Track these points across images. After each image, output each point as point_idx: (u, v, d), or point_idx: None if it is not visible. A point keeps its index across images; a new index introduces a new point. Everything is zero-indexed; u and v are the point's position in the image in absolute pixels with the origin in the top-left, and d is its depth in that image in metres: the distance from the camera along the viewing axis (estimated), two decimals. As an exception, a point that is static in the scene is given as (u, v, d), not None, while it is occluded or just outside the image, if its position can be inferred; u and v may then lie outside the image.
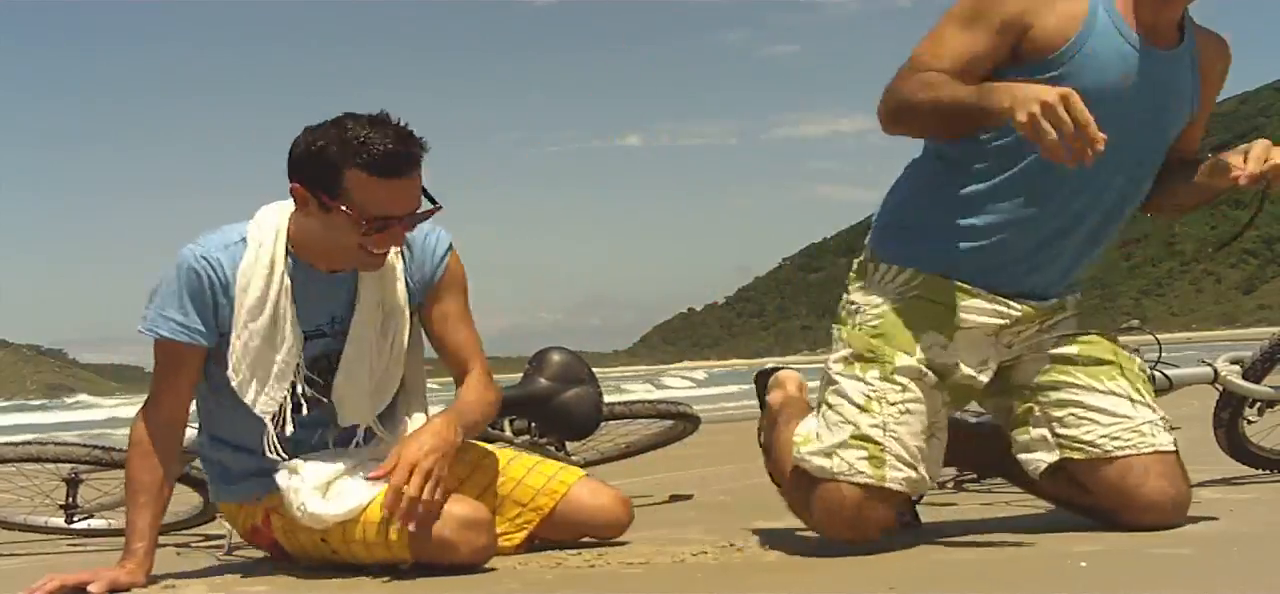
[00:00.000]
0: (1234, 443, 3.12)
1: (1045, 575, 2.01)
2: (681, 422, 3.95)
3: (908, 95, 2.25)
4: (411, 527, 2.26)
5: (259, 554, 2.75)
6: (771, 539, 2.54)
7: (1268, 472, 3.14)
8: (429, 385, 2.61)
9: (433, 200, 2.35)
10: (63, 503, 3.30)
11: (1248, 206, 2.42)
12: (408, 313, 2.49)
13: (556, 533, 2.58)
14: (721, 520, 3.00)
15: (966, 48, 2.23)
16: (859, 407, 2.29)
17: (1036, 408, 2.38)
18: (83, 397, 65.66)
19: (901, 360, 2.30)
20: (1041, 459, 2.37)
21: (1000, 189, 2.29)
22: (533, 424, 3.24)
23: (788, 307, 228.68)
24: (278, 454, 2.39)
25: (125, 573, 2.28)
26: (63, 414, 30.07)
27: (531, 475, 2.60)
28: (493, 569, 2.34)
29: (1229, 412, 3.09)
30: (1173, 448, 2.35)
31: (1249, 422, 3.12)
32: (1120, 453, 2.31)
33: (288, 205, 2.38)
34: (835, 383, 2.36)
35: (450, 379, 2.60)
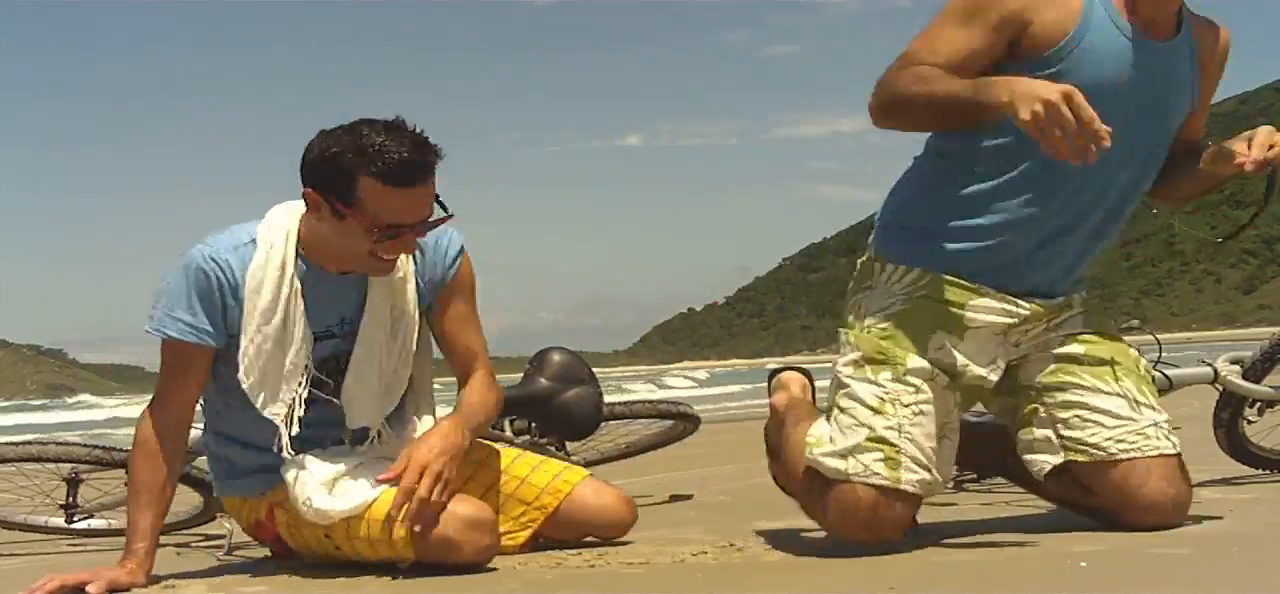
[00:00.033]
0: (1234, 443, 3.12)
1: (1045, 575, 2.01)
2: (682, 422, 3.95)
3: (901, 88, 2.23)
4: (417, 527, 2.27)
5: (260, 554, 2.76)
6: (772, 539, 2.54)
7: (1268, 472, 3.14)
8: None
9: (444, 208, 2.35)
10: (63, 503, 3.30)
11: (1248, 207, 2.42)
12: (417, 315, 2.49)
13: (560, 532, 2.58)
14: (722, 520, 3.00)
15: (963, 44, 2.22)
16: (872, 409, 2.28)
17: (1042, 409, 2.38)
18: (85, 396, 65.67)
19: (913, 361, 2.28)
20: (1046, 461, 2.36)
21: (1002, 189, 2.29)
22: (533, 424, 3.24)
23: (788, 307, 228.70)
24: (289, 454, 2.39)
25: (125, 573, 2.28)
26: (64, 414, 30.04)
27: (536, 474, 2.60)
28: (494, 569, 2.34)
29: (1229, 412, 3.09)
30: (1176, 451, 2.35)
31: (1249, 422, 3.12)
32: (1124, 456, 2.31)
33: (298, 206, 2.37)
34: (846, 386, 2.34)
35: (451, 379, 2.60)
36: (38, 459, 3.24)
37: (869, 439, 2.26)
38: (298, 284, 2.36)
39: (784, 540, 2.51)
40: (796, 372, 2.83)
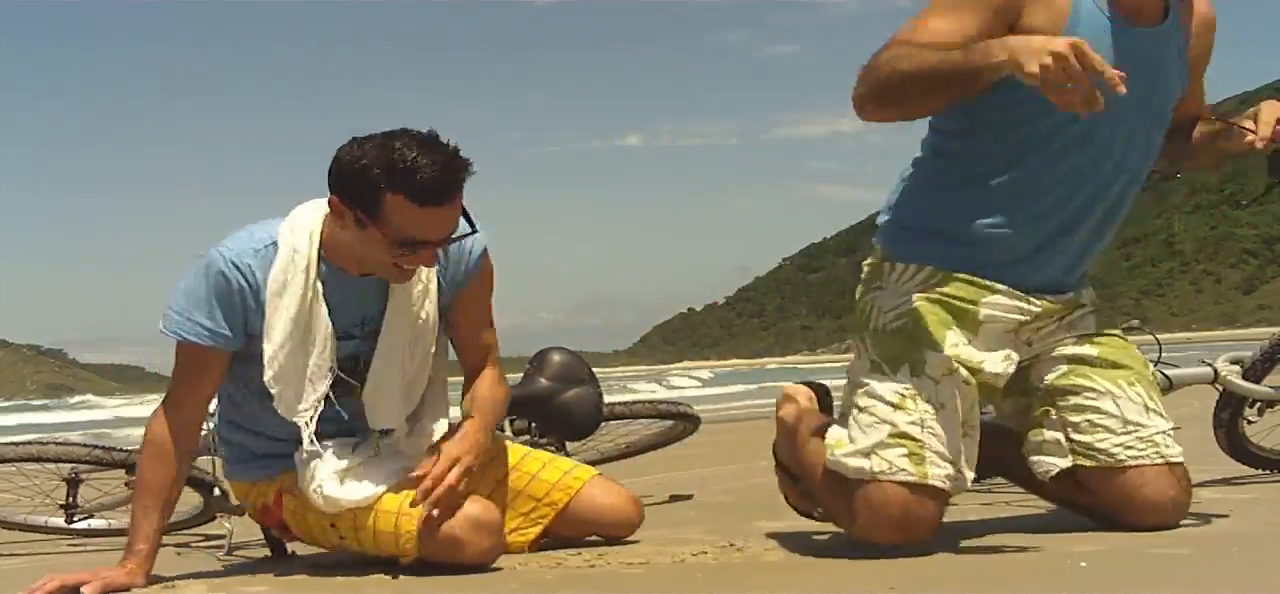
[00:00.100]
0: (1234, 443, 3.12)
1: (1045, 575, 2.01)
2: (682, 422, 3.95)
3: (890, 67, 2.11)
4: (436, 512, 2.28)
5: (260, 554, 2.76)
6: (772, 539, 2.54)
7: (1268, 472, 3.14)
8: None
9: (472, 223, 2.34)
10: (63, 503, 3.30)
11: (1247, 207, 2.43)
12: (438, 317, 2.48)
13: (568, 530, 2.59)
14: (722, 520, 3.00)
15: (956, 29, 2.12)
16: (893, 405, 2.25)
17: (1053, 411, 2.36)
18: (88, 396, 65.74)
19: (931, 358, 2.25)
20: (1053, 463, 2.35)
21: (1005, 187, 2.28)
22: (533, 424, 3.24)
23: (788, 307, 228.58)
24: (310, 450, 2.38)
25: (125, 574, 2.27)
26: (66, 414, 29.98)
27: (545, 471, 2.61)
28: (497, 569, 2.34)
29: (1229, 412, 3.09)
30: (1181, 459, 2.34)
31: (1249, 422, 3.12)
32: (1133, 463, 2.30)
33: (322, 206, 2.35)
34: (864, 386, 2.30)
35: (456, 378, 2.61)
36: (38, 459, 3.25)
37: (892, 435, 2.23)
38: (320, 286, 2.36)
39: (784, 540, 2.51)
40: (802, 385, 2.79)
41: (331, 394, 2.40)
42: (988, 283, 2.30)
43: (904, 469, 2.21)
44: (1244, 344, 3.80)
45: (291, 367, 2.35)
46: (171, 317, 2.35)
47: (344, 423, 2.43)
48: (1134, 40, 2.25)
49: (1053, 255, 2.34)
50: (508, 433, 3.24)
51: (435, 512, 2.29)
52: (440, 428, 2.52)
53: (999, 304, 2.31)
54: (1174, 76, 2.34)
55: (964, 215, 2.31)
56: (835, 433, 2.33)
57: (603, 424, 3.39)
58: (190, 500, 3.24)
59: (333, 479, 2.37)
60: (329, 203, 2.30)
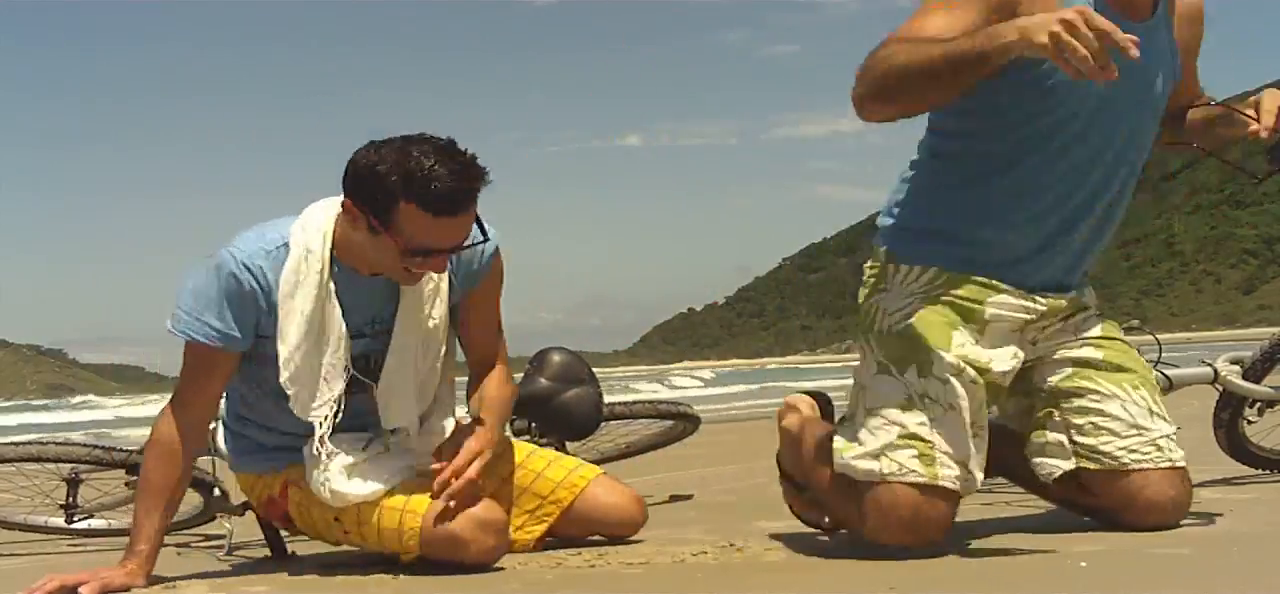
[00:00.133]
0: (1234, 443, 3.12)
1: (1045, 575, 2.01)
2: (682, 422, 3.94)
3: (889, 62, 2.06)
4: (451, 504, 2.30)
5: (260, 554, 2.76)
6: (772, 539, 2.54)
7: (1268, 472, 3.14)
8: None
9: (485, 232, 2.34)
10: (63, 503, 3.30)
11: (1248, 208, 2.44)
12: (448, 316, 2.48)
13: (572, 528, 2.60)
14: (722, 520, 3.00)
15: (954, 26, 2.08)
16: (901, 406, 2.23)
17: (1056, 413, 2.36)
18: (90, 396, 65.82)
19: (939, 358, 2.23)
20: (1057, 465, 2.34)
21: (1005, 188, 2.27)
22: (533, 424, 3.24)
23: (788, 307, 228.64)
24: (326, 449, 2.38)
25: (125, 574, 2.27)
26: (68, 414, 29.96)
27: (551, 469, 2.62)
28: (498, 568, 2.34)
29: (1229, 412, 3.09)
30: (1184, 463, 2.34)
31: (1249, 422, 3.12)
32: (1137, 467, 2.30)
33: (334, 206, 2.35)
34: (871, 388, 2.29)
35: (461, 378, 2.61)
36: (38, 459, 3.24)
37: (901, 436, 2.21)
38: (332, 286, 2.35)
39: (784, 541, 2.51)
40: (803, 394, 2.78)
41: (345, 392, 2.40)
42: (992, 282, 2.30)
43: (914, 470, 2.19)
44: (1244, 344, 3.80)
45: (307, 367, 2.35)
46: (180, 316, 2.35)
47: (355, 419, 2.43)
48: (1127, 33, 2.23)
49: (1054, 254, 2.34)
50: (508, 432, 3.24)
51: (451, 503, 2.30)
52: (448, 426, 2.53)
53: (1004, 303, 2.30)
54: (1167, 68, 2.34)
55: (965, 216, 2.31)
56: (843, 436, 2.32)
57: (603, 424, 3.39)
58: (190, 500, 3.24)
59: (340, 474, 2.38)
60: (342, 204, 2.30)
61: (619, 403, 3.77)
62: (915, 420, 2.21)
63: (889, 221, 2.41)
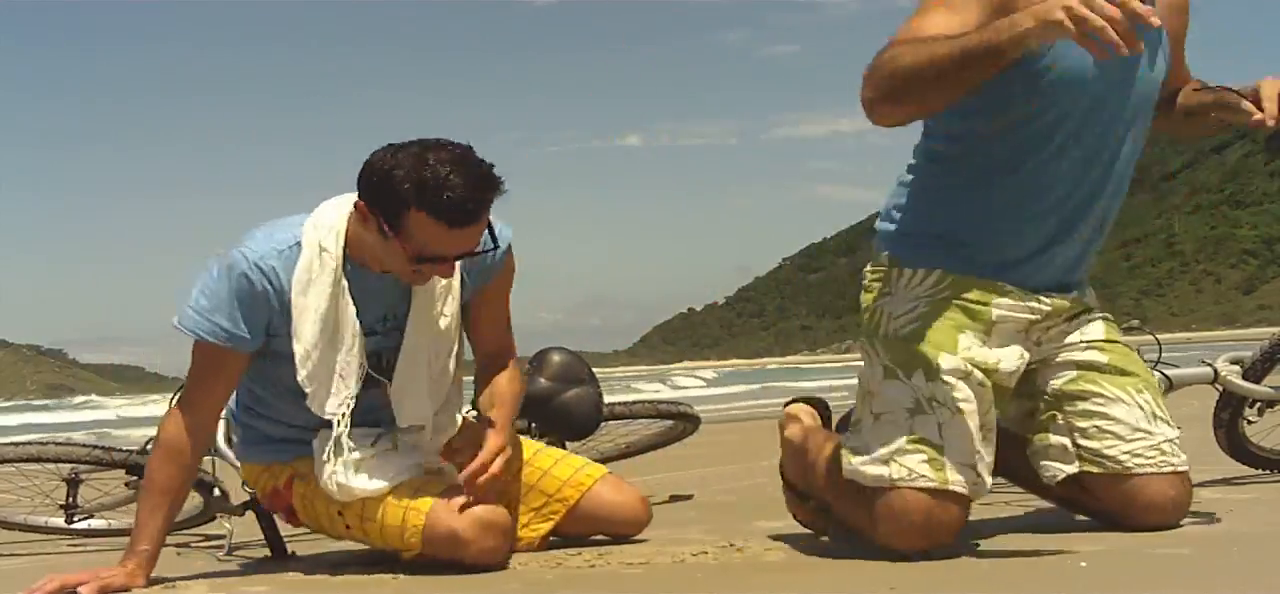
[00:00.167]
0: (1234, 443, 3.12)
1: (1045, 575, 2.01)
2: (681, 422, 3.94)
3: (895, 63, 2.04)
4: (473, 497, 2.32)
5: (260, 554, 2.76)
6: (772, 539, 2.54)
7: (1268, 472, 3.14)
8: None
9: (495, 240, 2.35)
10: (63, 503, 3.30)
11: (1248, 208, 2.43)
12: (459, 314, 2.49)
13: (577, 527, 2.60)
14: (722, 520, 3.01)
15: (958, 25, 2.06)
16: (909, 411, 2.21)
17: (1059, 416, 2.35)
18: (92, 396, 65.89)
19: (946, 362, 2.22)
20: (1060, 469, 2.34)
21: (1007, 189, 2.26)
22: (533, 424, 3.24)
23: (788, 307, 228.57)
24: (347, 445, 2.38)
25: (125, 575, 2.27)
26: (70, 414, 29.92)
27: (558, 467, 2.63)
28: (499, 568, 2.34)
29: (1229, 412, 3.09)
30: (1186, 468, 2.34)
31: (1249, 422, 3.12)
32: (1140, 471, 2.29)
33: (347, 204, 2.35)
34: (877, 394, 2.27)
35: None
36: (38, 459, 3.25)
37: (909, 441, 2.19)
38: (345, 283, 2.35)
39: (784, 540, 2.51)
40: (803, 403, 2.75)
41: (359, 394, 2.40)
42: (997, 284, 2.29)
43: (924, 475, 2.17)
44: (1244, 344, 3.80)
45: (324, 365, 2.35)
46: (188, 313, 2.34)
47: (365, 415, 2.43)
48: None
49: (1056, 254, 2.33)
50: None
51: (464, 498, 2.32)
52: (456, 423, 2.54)
53: (1009, 305, 2.29)
54: (1159, 61, 2.34)
55: (968, 219, 2.30)
56: (851, 442, 2.30)
57: (603, 424, 3.39)
58: (190, 500, 3.24)
59: (348, 469, 2.38)
60: (355, 204, 2.30)
61: (619, 403, 3.77)
62: (924, 424, 2.20)
63: (890, 226, 2.40)
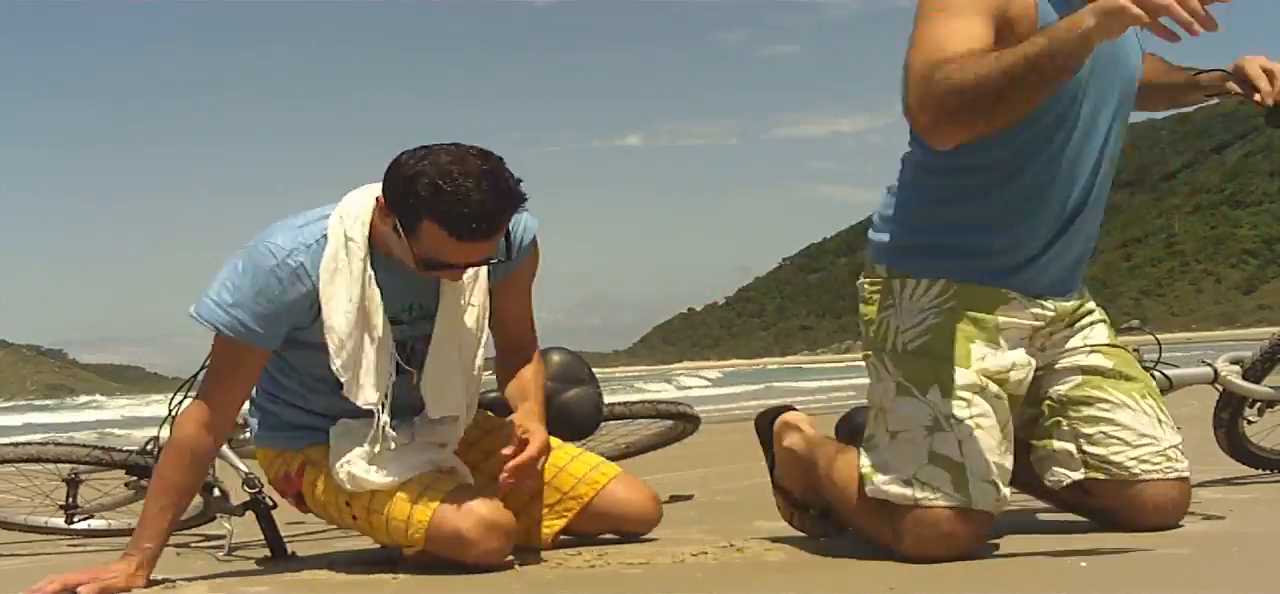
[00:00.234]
0: (1234, 443, 3.12)
1: (1045, 575, 2.01)
2: (681, 422, 3.94)
3: (965, 81, 1.92)
4: (511, 481, 2.35)
5: (260, 554, 2.76)
6: (772, 539, 2.54)
7: (1268, 472, 3.14)
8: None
9: (510, 251, 2.35)
10: (63, 503, 3.30)
11: (1248, 208, 2.44)
12: (487, 303, 2.49)
13: (589, 525, 2.61)
14: (722, 520, 3.01)
15: (980, 35, 2.01)
16: (928, 429, 2.18)
17: (1064, 422, 2.34)
18: (96, 397, 65.98)
19: (960, 376, 2.20)
20: (1065, 474, 2.33)
21: (1009, 195, 2.24)
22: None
23: (788, 307, 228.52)
24: (390, 435, 2.38)
25: (125, 575, 2.27)
26: (72, 414, 29.86)
27: (573, 464, 2.64)
28: (500, 568, 2.34)
29: (1229, 412, 3.09)
30: (1188, 474, 2.34)
31: (1249, 422, 3.12)
32: (1146, 477, 2.29)
33: (374, 192, 2.34)
34: (892, 411, 2.24)
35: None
36: (38, 460, 3.25)
37: (931, 460, 2.18)
38: (371, 272, 2.35)
39: (785, 541, 2.51)
40: (795, 412, 2.71)
41: (392, 385, 2.40)
42: (1001, 290, 2.28)
43: (947, 493, 2.16)
44: (1244, 344, 3.80)
45: (357, 354, 2.35)
46: (209, 304, 2.32)
47: (393, 408, 2.42)
48: None
49: (1056, 255, 2.33)
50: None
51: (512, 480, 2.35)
52: (472, 415, 2.55)
53: (1014, 311, 2.28)
54: (1137, 50, 2.35)
55: (970, 226, 2.28)
56: (868, 460, 2.26)
57: (602, 424, 3.39)
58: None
59: (361, 460, 2.38)
60: (376, 197, 2.30)
61: (619, 403, 3.77)
62: (944, 443, 2.18)
63: (884, 237, 2.36)
